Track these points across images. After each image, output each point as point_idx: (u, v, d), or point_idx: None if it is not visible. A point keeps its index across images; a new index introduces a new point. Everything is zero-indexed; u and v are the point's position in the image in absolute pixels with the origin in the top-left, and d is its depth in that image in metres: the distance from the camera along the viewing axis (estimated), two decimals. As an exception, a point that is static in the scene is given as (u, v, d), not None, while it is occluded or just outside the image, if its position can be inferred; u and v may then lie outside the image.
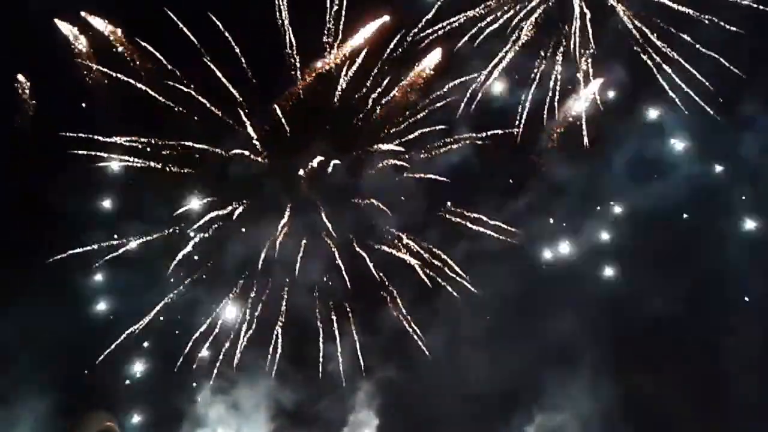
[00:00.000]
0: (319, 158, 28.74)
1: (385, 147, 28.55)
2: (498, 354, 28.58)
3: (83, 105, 27.62)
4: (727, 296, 28.04)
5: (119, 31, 27.58)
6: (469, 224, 28.88)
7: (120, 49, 27.47)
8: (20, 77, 27.86)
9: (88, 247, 27.88)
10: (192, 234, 28.39)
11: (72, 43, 27.57)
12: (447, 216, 29.13)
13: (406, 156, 28.55)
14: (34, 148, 27.34)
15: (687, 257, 28.38)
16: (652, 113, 28.35)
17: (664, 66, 27.18)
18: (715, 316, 28.08)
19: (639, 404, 28.39)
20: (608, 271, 29.39)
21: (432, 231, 29.25)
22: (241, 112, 27.83)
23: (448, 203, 29.09)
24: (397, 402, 29.59)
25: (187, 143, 28.03)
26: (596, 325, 28.27)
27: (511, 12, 27.43)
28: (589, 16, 27.23)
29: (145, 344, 28.78)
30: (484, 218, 28.76)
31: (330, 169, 28.89)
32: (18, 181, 27.08)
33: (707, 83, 26.95)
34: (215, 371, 28.76)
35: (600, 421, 28.09)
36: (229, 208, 28.62)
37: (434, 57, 27.89)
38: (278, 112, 28.00)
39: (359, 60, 27.83)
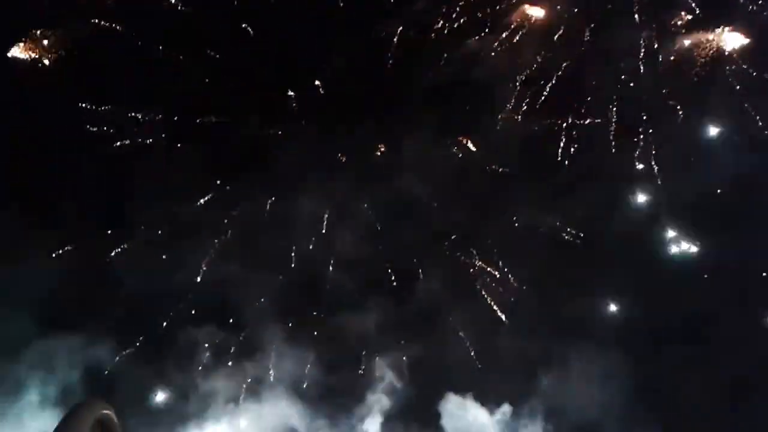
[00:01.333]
0: (361, 137, 26.73)
1: (433, 128, 26.61)
2: (525, 330, 28.43)
3: (103, 76, 24.15)
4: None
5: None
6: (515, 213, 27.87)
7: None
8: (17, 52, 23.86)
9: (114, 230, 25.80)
10: (227, 215, 26.47)
11: None
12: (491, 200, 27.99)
13: (457, 139, 26.82)
14: (48, 125, 24.09)
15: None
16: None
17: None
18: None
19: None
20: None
21: (473, 214, 28.05)
22: (283, 90, 25.27)
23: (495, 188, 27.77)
24: (422, 375, 29.41)
25: (221, 120, 25.42)
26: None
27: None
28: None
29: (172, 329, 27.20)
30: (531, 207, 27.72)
31: (373, 149, 27.02)
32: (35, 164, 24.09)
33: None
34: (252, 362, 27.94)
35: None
36: (265, 188, 26.65)
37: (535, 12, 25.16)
38: (320, 88, 25.51)
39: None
